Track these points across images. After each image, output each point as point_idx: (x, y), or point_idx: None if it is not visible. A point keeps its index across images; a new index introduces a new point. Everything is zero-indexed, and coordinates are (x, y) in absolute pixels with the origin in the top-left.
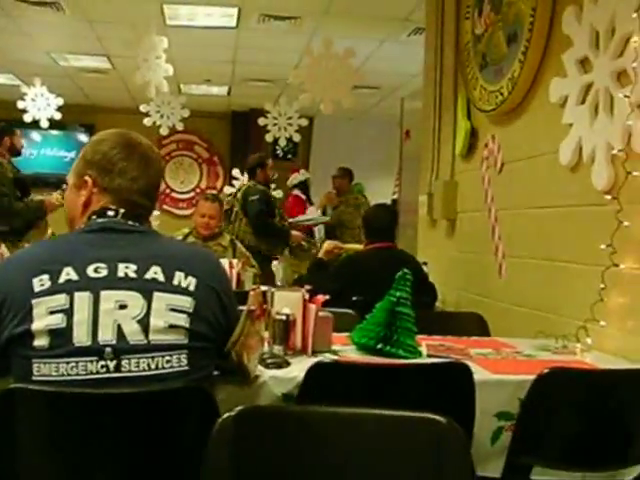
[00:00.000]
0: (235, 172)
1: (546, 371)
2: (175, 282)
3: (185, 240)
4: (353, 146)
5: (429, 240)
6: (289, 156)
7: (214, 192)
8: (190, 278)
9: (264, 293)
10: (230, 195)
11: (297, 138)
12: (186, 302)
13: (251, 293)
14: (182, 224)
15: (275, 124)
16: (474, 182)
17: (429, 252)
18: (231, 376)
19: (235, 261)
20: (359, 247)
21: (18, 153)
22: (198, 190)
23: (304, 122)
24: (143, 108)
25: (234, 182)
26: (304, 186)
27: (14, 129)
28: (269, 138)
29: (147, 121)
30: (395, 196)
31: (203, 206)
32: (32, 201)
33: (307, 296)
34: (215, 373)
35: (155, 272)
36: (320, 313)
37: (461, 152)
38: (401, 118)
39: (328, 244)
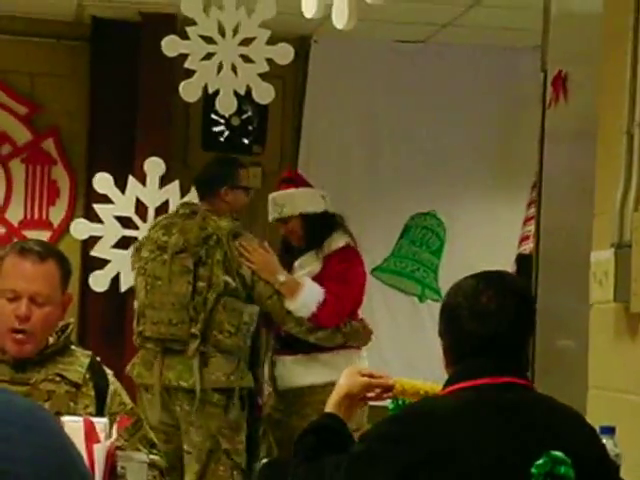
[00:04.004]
0: (103, 182)
1: None
2: None
3: None
4: (412, 115)
5: (621, 363)
6: (246, 140)
7: (42, 240)
8: None
9: None
10: (143, 241)
11: (267, 96)
12: None
13: None
14: None
15: (208, 57)
16: None
17: (621, 399)
18: None
19: (101, 423)
20: (432, 387)
21: None
22: (0, 230)
23: (286, 54)
24: None
25: (102, 213)
26: (326, 221)
27: None
28: (190, 95)
29: None
30: (526, 246)
31: (15, 272)
32: None
33: None
34: None
35: None
36: None
37: None
38: (544, 45)
39: (356, 374)
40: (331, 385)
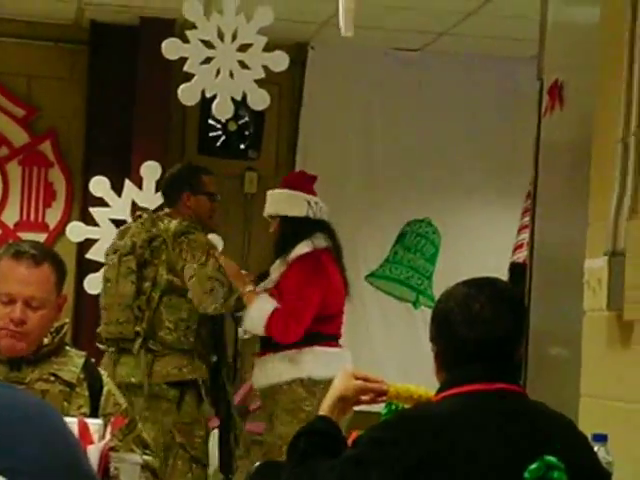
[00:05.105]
0: (99, 185)
1: None
2: None
3: None
4: (408, 123)
5: (614, 371)
6: (242, 145)
7: (37, 241)
8: None
9: None
10: (116, 252)
11: (262, 102)
12: None
13: None
14: None
15: (207, 61)
16: None
17: (613, 407)
18: None
19: (95, 424)
20: (426, 392)
21: None
22: None
23: (281, 61)
24: None
25: (98, 216)
26: (327, 233)
27: None
28: (188, 99)
29: None
30: (519, 255)
31: (10, 275)
32: None
33: None
34: None
35: None
36: None
37: None
38: (540, 53)
39: (351, 377)
40: (295, 383)
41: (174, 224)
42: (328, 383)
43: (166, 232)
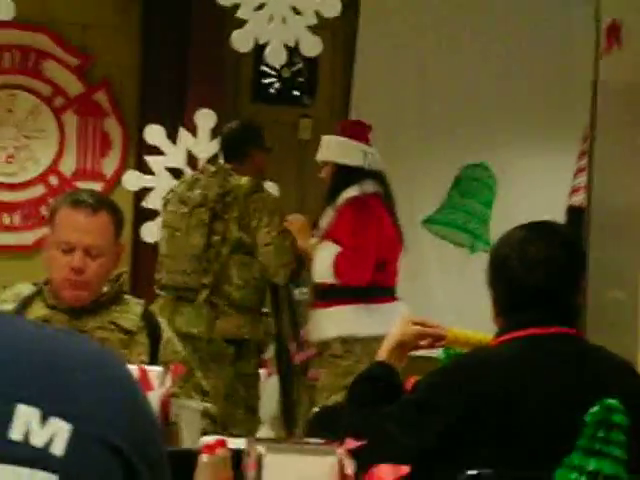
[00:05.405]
0: (154, 134)
1: None
2: (15, 436)
3: (24, 316)
4: (462, 66)
5: None
6: (296, 92)
7: (94, 190)
8: (57, 423)
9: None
10: (170, 196)
11: (314, 49)
12: None
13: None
14: (13, 270)
15: (260, 7)
16: None
17: None
18: None
19: (155, 371)
20: (484, 337)
21: None
22: (53, 181)
23: (333, 7)
24: None
25: (154, 164)
26: (379, 181)
27: None
28: (242, 45)
29: None
30: (577, 198)
31: (68, 224)
32: None
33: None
34: None
35: None
36: None
37: None
38: None
39: (409, 323)
40: (336, 340)
41: (245, 181)
42: (370, 340)
43: (239, 188)
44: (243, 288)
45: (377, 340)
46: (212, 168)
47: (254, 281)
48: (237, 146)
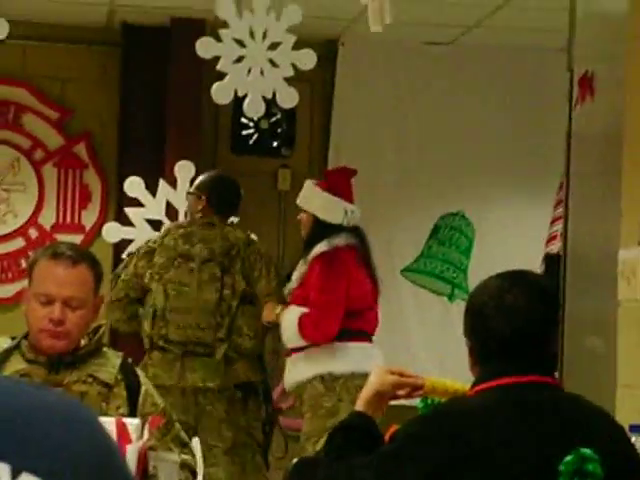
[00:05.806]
0: (134, 186)
1: None
2: None
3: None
4: (439, 117)
5: None
6: (275, 143)
7: (73, 243)
8: (28, 479)
9: None
10: (153, 246)
11: (291, 100)
12: None
13: None
14: None
15: (239, 60)
16: None
17: None
18: None
19: (133, 424)
20: (462, 386)
21: None
22: (33, 234)
23: (309, 59)
24: None
25: (133, 216)
26: (354, 234)
27: None
28: (222, 98)
29: None
30: (553, 247)
31: (48, 276)
32: None
33: None
34: None
35: None
36: None
37: None
38: (570, 45)
39: (386, 372)
40: (315, 379)
41: (240, 233)
42: (348, 378)
43: (238, 241)
44: (254, 338)
45: (355, 377)
46: (204, 220)
47: (260, 330)
48: (236, 201)
